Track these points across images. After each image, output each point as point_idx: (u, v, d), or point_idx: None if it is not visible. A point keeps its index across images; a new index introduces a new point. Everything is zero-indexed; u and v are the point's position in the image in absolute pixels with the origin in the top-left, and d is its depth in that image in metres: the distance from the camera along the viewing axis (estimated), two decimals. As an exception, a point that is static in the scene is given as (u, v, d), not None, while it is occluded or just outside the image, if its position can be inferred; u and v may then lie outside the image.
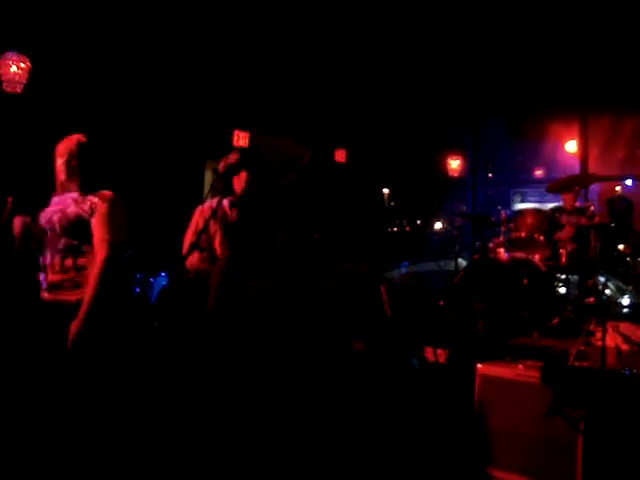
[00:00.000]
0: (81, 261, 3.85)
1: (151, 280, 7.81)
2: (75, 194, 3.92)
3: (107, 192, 3.95)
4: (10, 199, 3.94)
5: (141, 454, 3.93)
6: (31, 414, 3.75)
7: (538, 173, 12.65)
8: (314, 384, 2.86)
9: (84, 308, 3.69)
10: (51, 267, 3.81)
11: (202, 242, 4.34)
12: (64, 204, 3.90)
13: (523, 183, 13.19)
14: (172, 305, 4.18)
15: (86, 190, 3.93)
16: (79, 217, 3.85)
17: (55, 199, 3.97)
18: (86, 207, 3.87)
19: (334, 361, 2.93)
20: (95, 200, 3.89)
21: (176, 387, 4.37)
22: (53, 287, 3.81)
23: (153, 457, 3.95)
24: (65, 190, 3.97)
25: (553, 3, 8.88)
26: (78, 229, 3.84)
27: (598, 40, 9.15)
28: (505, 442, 4.04)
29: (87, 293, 3.72)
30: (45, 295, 3.83)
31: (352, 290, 2.97)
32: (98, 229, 3.86)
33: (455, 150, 12.73)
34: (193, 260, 4.65)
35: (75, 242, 3.84)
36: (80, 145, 3.94)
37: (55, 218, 3.84)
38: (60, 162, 3.92)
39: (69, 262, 3.83)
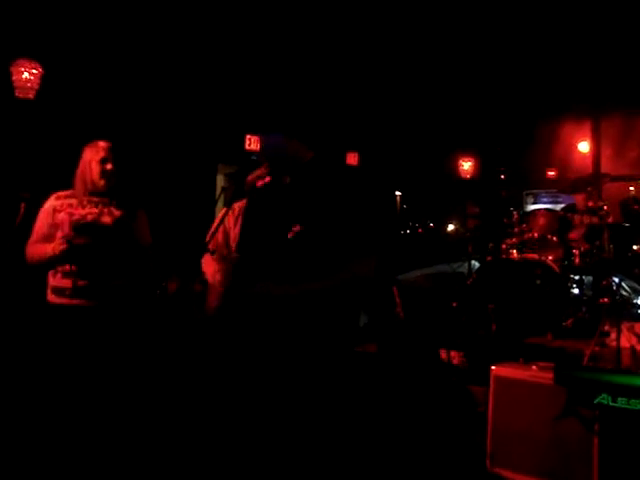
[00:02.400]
0: (125, 262, 3.90)
1: (164, 284, 7.81)
2: (105, 199, 3.93)
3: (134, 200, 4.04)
4: (23, 204, 3.94)
5: (142, 453, 3.94)
6: (40, 415, 3.77)
7: (551, 174, 12.58)
8: (324, 386, 2.84)
9: (149, 309, 3.91)
10: (98, 272, 3.79)
11: (213, 245, 4.36)
12: (100, 208, 3.90)
13: (536, 184, 13.13)
14: (182, 308, 4.20)
15: (118, 195, 3.97)
16: (127, 219, 3.92)
17: (72, 202, 3.91)
18: (127, 212, 3.94)
19: (344, 362, 2.92)
20: (131, 206, 3.98)
21: (182, 388, 4.38)
22: (99, 291, 3.80)
23: (154, 456, 3.97)
24: (90, 194, 3.94)
25: (565, 4, 8.84)
26: (126, 231, 3.90)
27: (610, 40, 9.11)
28: (520, 444, 4.01)
29: (146, 293, 3.93)
30: (90, 302, 3.79)
31: (360, 289, 2.94)
32: (141, 233, 4.01)
33: (467, 152, 12.69)
34: (205, 263, 4.67)
35: (123, 244, 3.88)
36: (114, 150, 3.95)
37: (106, 220, 3.85)
38: (101, 167, 3.90)
39: (116, 265, 3.85)
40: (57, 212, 3.90)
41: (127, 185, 4.04)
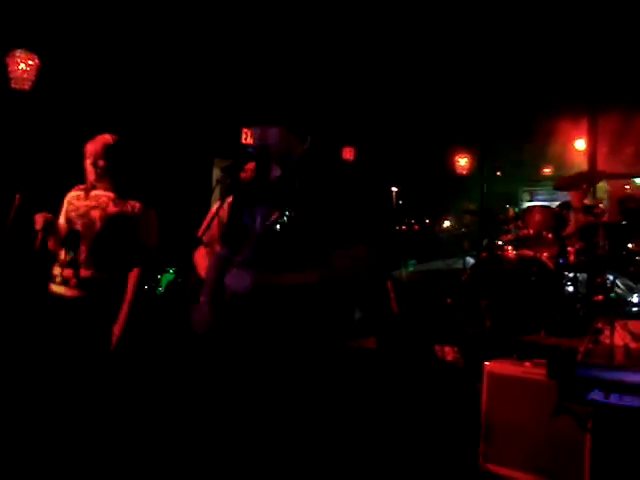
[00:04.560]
0: (116, 258, 3.88)
1: (159, 277, 7.81)
2: (110, 194, 3.94)
3: (140, 200, 4.00)
4: (18, 196, 3.94)
5: (141, 452, 3.94)
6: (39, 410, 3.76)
7: (546, 171, 12.59)
8: (319, 381, 2.84)
9: (127, 308, 3.83)
10: (85, 263, 3.81)
11: (207, 238, 4.36)
12: (99, 202, 3.91)
13: (532, 181, 13.13)
14: (178, 301, 4.20)
15: (121, 192, 3.95)
16: (122, 216, 3.89)
17: (80, 194, 3.97)
18: (128, 209, 3.92)
19: (339, 358, 2.91)
20: (135, 204, 3.95)
21: (175, 384, 4.37)
22: (86, 283, 3.80)
23: (153, 456, 3.96)
24: (94, 189, 3.97)
25: (563, 0, 8.85)
26: (120, 228, 3.88)
27: (606, 36, 9.10)
28: (513, 440, 4.02)
29: (130, 293, 3.85)
30: (74, 292, 3.80)
31: (354, 284, 2.93)
32: (144, 232, 3.96)
33: (463, 148, 12.69)
34: (199, 256, 4.67)
35: (114, 240, 3.86)
36: (106, 146, 3.91)
37: (95, 214, 3.86)
38: (87, 163, 3.92)
39: (104, 259, 3.85)
40: (67, 203, 4.01)
41: (135, 182, 4.04)
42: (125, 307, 3.85)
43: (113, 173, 3.94)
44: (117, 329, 3.81)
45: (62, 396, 3.70)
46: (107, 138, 3.95)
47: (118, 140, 3.97)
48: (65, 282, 3.81)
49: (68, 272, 3.81)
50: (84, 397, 3.72)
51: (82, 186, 4.03)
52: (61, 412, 3.68)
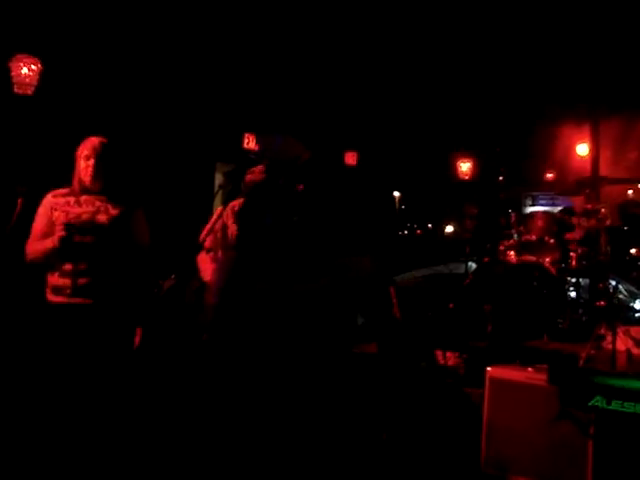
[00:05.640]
0: (120, 261, 3.87)
1: (161, 283, 7.79)
2: (102, 197, 3.88)
3: (131, 200, 3.99)
4: (20, 200, 3.92)
5: (141, 454, 3.93)
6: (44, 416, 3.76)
7: (549, 176, 12.59)
8: (323, 386, 2.84)
9: (142, 308, 3.88)
10: (94, 271, 3.77)
11: (209, 243, 4.35)
12: (96, 206, 3.85)
13: (534, 186, 13.13)
14: (177, 306, 4.20)
15: (114, 193, 3.92)
16: (122, 217, 3.86)
17: (69, 200, 3.87)
18: (124, 209, 3.89)
19: (342, 363, 2.91)
20: (128, 205, 3.92)
21: (177, 388, 4.37)
22: (97, 290, 3.78)
23: (153, 457, 3.95)
24: (86, 192, 3.92)
25: (564, 5, 8.85)
26: (121, 230, 3.85)
27: (609, 42, 9.11)
28: (515, 445, 4.01)
29: (139, 293, 3.90)
30: (87, 300, 3.75)
31: (355, 287, 2.94)
32: (137, 232, 3.95)
33: (466, 153, 12.68)
34: (201, 261, 4.67)
35: (118, 243, 3.84)
36: (105, 147, 3.87)
37: (101, 219, 3.81)
38: (86, 164, 3.84)
39: (111, 263, 3.83)
40: (54, 210, 3.86)
41: (125, 183, 4.01)
42: (140, 307, 3.88)
43: (106, 174, 3.89)
44: (138, 329, 3.84)
45: (80, 402, 3.69)
46: (99, 139, 3.91)
47: (110, 141, 3.93)
48: (79, 292, 3.76)
49: (83, 280, 3.76)
50: (112, 399, 3.72)
51: (63, 190, 3.94)
52: (86, 413, 3.68)
